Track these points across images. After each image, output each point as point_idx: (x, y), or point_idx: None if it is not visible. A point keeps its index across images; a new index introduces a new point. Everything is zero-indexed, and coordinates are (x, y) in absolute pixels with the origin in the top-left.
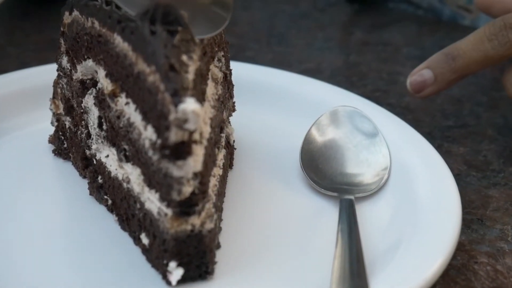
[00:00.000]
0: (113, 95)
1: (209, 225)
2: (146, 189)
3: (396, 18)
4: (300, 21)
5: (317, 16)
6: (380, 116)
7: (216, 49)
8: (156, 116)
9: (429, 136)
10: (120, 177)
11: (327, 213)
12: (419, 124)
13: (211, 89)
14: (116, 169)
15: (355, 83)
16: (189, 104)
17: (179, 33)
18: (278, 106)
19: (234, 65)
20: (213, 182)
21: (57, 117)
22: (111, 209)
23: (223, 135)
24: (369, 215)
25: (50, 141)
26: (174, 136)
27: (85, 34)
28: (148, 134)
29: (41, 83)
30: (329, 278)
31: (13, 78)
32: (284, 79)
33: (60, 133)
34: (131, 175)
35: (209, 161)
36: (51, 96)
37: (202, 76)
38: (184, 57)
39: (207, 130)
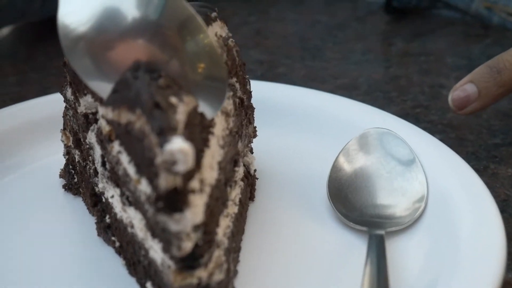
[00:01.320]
0: (109, 138)
1: (218, 276)
2: (150, 236)
3: (440, 25)
4: (336, 32)
5: (356, 26)
6: (417, 138)
7: None
8: (146, 165)
9: (474, 156)
10: (124, 220)
11: (356, 250)
12: (462, 143)
13: (220, 125)
14: (120, 211)
15: (394, 98)
16: (176, 143)
17: (163, 77)
18: (304, 129)
19: (255, 85)
20: (225, 223)
21: (67, 150)
22: (118, 251)
23: (237, 169)
24: (401, 252)
25: (61, 176)
26: (164, 182)
27: None
28: (143, 187)
29: (55, 112)
30: None
31: (25, 107)
32: (311, 98)
33: (71, 166)
34: (134, 220)
35: (216, 206)
36: (62, 127)
37: (201, 118)
38: (173, 99)
39: (212, 176)
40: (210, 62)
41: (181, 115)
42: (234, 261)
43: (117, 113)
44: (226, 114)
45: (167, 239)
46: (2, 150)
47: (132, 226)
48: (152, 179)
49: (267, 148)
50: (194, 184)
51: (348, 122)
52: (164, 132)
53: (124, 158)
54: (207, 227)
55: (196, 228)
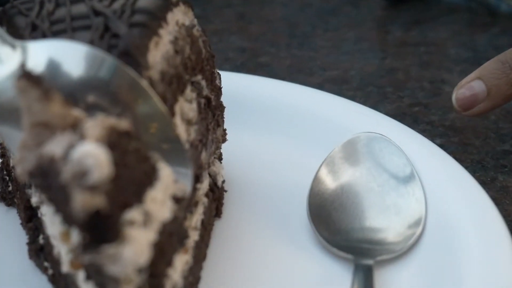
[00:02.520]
0: None
1: None
2: (82, 278)
3: (442, 12)
4: (328, 18)
5: (349, 12)
6: (414, 144)
7: (188, 76)
8: (60, 201)
9: (480, 165)
10: (56, 247)
11: (339, 282)
12: (466, 149)
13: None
14: (54, 234)
15: (389, 95)
16: (82, 148)
17: None
18: (283, 132)
19: (228, 78)
20: (182, 261)
21: (1, 152)
22: (51, 280)
23: (199, 185)
24: (392, 286)
25: None
26: (79, 203)
27: None
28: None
29: None
30: None
31: None
32: (292, 95)
33: (5, 172)
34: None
35: (169, 243)
36: None
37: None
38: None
39: (162, 212)
40: (161, 123)
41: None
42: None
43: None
44: (187, 123)
45: (100, 284)
46: None
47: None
48: (65, 209)
49: (238, 155)
50: (135, 215)
51: (335, 124)
52: (72, 145)
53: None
54: (155, 269)
55: (140, 270)
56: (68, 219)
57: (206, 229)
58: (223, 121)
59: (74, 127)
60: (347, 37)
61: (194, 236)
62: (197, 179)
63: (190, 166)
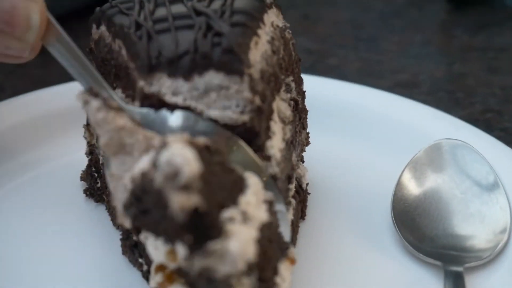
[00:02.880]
0: None
1: None
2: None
3: (507, 16)
4: (392, 20)
5: (413, 14)
6: (496, 152)
7: (283, 76)
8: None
9: None
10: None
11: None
12: None
13: (278, 136)
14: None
15: (461, 100)
16: (170, 150)
17: None
18: (364, 135)
19: (310, 80)
20: (289, 270)
21: (90, 149)
22: (146, 277)
23: (291, 186)
24: None
25: (82, 178)
26: (176, 204)
27: (112, 59)
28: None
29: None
30: None
31: (44, 96)
32: (372, 99)
33: (94, 169)
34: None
35: (271, 248)
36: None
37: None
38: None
39: (259, 214)
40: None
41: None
42: None
43: None
44: (283, 122)
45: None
46: (17, 144)
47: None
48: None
49: (320, 159)
50: (232, 213)
51: (416, 130)
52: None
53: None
54: (263, 272)
55: (249, 269)
56: (170, 231)
57: (294, 230)
58: (307, 124)
59: (157, 147)
60: (413, 41)
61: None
62: (289, 179)
63: (283, 202)
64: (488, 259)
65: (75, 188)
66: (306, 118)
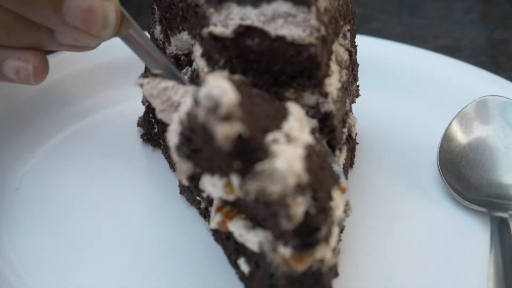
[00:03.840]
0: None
1: (331, 261)
2: (245, 230)
3: None
4: None
5: None
6: None
7: (342, 23)
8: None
9: None
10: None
11: (473, 233)
12: None
13: (335, 76)
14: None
15: (502, 64)
16: (208, 84)
17: None
18: (411, 91)
19: (358, 40)
20: (341, 198)
21: None
22: (203, 214)
23: (345, 130)
24: None
25: (139, 124)
26: (221, 135)
27: (180, 1)
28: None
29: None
30: None
31: (104, 47)
32: (419, 58)
33: (151, 115)
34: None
35: (322, 173)
36: (142, 70)
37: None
38: None
39: (304, 134)
40: None
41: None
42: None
43: None
44: (340, 64)
45: (271, 213)
46: (75, 92)
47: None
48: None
49: (369, 111)
50: (275, 135)
51: (461, 88)
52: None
53: None
54: (316, 193)
55: (300, 188)
56: (221, 162)
57: (345, 174)
58: (358, 77)
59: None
60: (456, 8)
61: None
62: (343, 123)
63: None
64: None
65: (132, 134)
66: (357, 71)
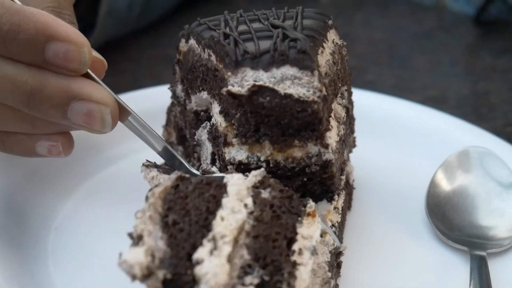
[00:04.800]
0: (225, 139)
1: None
2: None
3: None
4: (423, 42)
5: (442, 37)
6: None
7: (340, 84)
8: None
9: None
10: None
11: (455, 269)
12: None
13: (334, 130)
14: None
15: (484, 115)
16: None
17: None
18: (401, 141)
19: (355, 93)
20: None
21: None
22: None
23: (343, 177)
24: (502, 274)
25: None
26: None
27: (201, 66)
28: None
29: (154, 106)
30: None
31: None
32: (409, 111)
33: None
34: None
35: (270, 227)
36: (163, 122)
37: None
38: None
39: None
40: None
41: None
42: (336, 275)
43: None
44: (338, 121)
45: None
46: (103, 141)
47: None
48: None
49: (364, 159)
50: (200, 253)
51: (446, 138)
52: None
53: None
54: (265, 262)
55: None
56: None
57: (344, 216)
58: (354, 129)
59: None
60: (442, 60)
61: (337, 218)
62: (341, 171)
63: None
64: (508, 246)
65: None
66: (354, 124)
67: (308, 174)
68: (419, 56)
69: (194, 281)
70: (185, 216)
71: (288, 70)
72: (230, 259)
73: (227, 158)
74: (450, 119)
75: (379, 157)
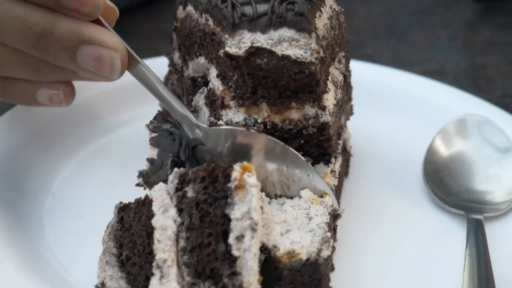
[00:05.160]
0: (222, 101)
1: (326, 252)
2: None
3: None
4: (422, 17)
5: (441, 13)
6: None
7: (337, 49)
8: None
9: None
10: None
11: (452, 233)
12: None
13: (332, 94)
14: None
15: (482, 87)
16: None
17: None
18: (399, 110)
19: (352, 64)
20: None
21: None
22: None
23: (340, 142)
24: (499, 238)
25: None
26: None
27: (198, 31)
28: None
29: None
30: None
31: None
32: (407, 81)
33: None
34: None
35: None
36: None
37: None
38: None
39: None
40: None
41: None
42: (332, 237)
43: None
44: (336, 85)
45: None
46: (103, 109)
47: None
48: None
49: (361, 127)
50: None
51: (444, 107)
52: None
53: None
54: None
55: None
56: None
57: (341, 182)
58: (352, 97)
59: None
60: (441, 35)
61: (334, 181)
62: (338, 136)
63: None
64: (504, 210)
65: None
66: (351, 92)
67: (305, 136)
68: (417, 31)
69: None
70: (133, 248)
71: (286, 32)
72: (180, 277)
73: (224, 120)
74: (448, 88)
75: (377, 126)
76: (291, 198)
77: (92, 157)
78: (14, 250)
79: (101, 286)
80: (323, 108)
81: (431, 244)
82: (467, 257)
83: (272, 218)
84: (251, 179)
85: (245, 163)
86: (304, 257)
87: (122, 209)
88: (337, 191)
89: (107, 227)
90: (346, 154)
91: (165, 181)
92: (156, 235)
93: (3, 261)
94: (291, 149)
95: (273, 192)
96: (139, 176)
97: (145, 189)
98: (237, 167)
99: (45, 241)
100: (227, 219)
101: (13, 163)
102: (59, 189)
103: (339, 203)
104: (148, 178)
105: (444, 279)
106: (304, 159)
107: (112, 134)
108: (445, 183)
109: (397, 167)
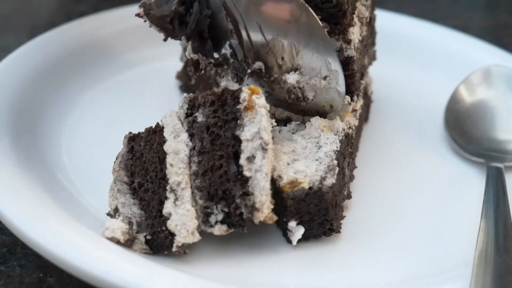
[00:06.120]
0: None
1: (330, 180)
2: None
3: None
4: None
5: None
6: None
7: None
8: None
9: None
10: None
11: (472, 180)
12: None
13: (357, 28)
14: None
15: (508, 45)
16: None
17: None
18: (422, 60)
19: (377, 13)
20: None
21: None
22: None
23: (363, 82)
24: None
25: (177, 77)
26: None
27: None
28: None
29: None
30: (472, 252)
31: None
32: (431, 32)
33: (188, 69)
34: None
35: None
36: None
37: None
38: None
39: None
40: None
41: None
42: (350, 165)
43: None
44: (361, 22)
45: None
46: (121, 47)
47: None
48: None
49: (384, 74)
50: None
51: (468, 58)
52: None
53: None
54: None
55: None
56: None
57: (361, 125)
58: (375, 42)
59: None
60: None
61: (354, 122)
62: (361, 76)
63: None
64: None
65: (172, 85)
66: (375, 37)
67: None
68: None
69: (171, 233)
70: (146, 175)
71: None
72: (193, 201)
73: None
74: (473, 41)
75: (399, 73)
76: (295, 71)
77: (108, 92)
78: (33, 171)
79: (114, 213)
80: (348, 42)
81: (449, 190)
82: (485, 202)
83: (281, 148)
84: (260, 100)
85: (252, 86)
86: (306, 186)
87: (132, 138)
88: (357, 133)
89: (116, 158)
90: (367, 99)
91: (168, 17)
92: (169, 159)
93: (21, 181)
94: (312, 12)
95: (279, 55)
96: (140, 6)
97: (145, 21)
98: (245, 88)
99: (61, 165)
100: (237, 141)
101: (33, 94)
102: (76, 121)
103: (358, 146)
104: (149, 10)
105: (462, 221)
106: (322, 25)
107: (128, 71)
108: (467, 132)
109: (418, 115)
